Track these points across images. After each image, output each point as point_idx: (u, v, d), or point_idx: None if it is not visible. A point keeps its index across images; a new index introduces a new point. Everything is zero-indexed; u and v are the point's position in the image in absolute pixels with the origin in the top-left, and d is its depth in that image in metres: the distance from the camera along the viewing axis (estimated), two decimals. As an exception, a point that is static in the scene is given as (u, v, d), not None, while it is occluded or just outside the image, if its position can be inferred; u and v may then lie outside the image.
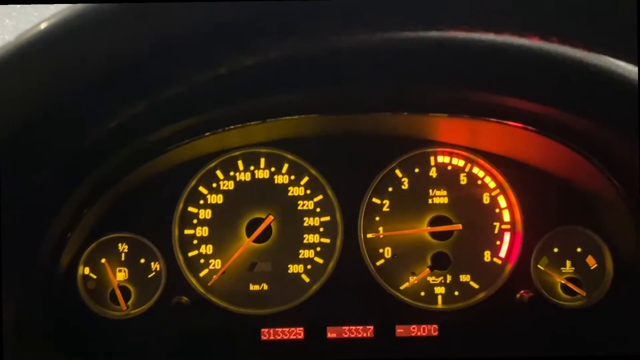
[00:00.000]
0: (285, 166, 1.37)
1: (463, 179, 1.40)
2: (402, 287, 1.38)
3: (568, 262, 1.38)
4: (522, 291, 1.35)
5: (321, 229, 1.37)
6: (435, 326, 1.36)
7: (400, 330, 1.35)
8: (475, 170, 1.40)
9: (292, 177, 1.38)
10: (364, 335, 1.35)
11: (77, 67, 0.76)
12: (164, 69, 0.82)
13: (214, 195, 1.36)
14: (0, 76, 0.73)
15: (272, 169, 1.37)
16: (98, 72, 0.77)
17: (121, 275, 1.33)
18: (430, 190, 1.39)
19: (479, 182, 1.40)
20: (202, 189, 1.36)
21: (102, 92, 0.81)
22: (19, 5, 1.49)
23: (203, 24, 0.77)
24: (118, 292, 1.31)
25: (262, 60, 0.85)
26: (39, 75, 0.75)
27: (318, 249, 1.37)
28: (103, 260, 1.33)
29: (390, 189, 1.39)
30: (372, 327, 1.35)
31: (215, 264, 1.35)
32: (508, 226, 1.39)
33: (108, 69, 0.78)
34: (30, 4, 1.38)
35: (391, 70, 0.98)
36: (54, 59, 0.75)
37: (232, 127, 1.25)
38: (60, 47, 0.75)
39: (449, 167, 1.40)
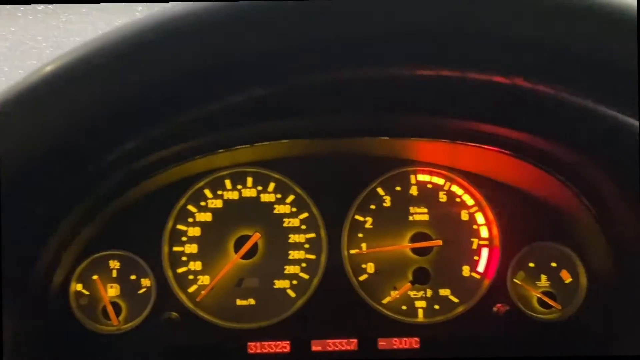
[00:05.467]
0: (272, 185, 1.42)
1: (443, 197, 1.45)
2: (384, 302, 1.42)
3: (543, 277, 1.43)
4: (498, 305, 1.41)
5: (306, 246, 1.42)
6: (417, 339, 1.40)
7: (382, 343, 1.40)
8: (454, 188, 1.45)
9: (279, 196, 1.42)
10: (348, 348, 1.39)
11: (81, 106, 0.80)
12: (169, 102, 0.86)
13: (202, 214, 1.41)
14: (7, 114, 0.77)
15: (259, 188, 1.42)
16: (99, 109, 0.81)
17: (112, 291, 1.37)
18: (411, 208, 1.44)
19: (458, 199, 1.45)
20: (191, 208, 1.41)
21: (103, 128, 0.85)
22: (12, 28, 1.53)
23: (199, 60, 0.81)
24: (109, 308, 1.35)
25: (254, 92, 0.89)
26: (44, 115, 0.79)
27: (303, 264, 1.42)
28: (95, 277, 1.36)
29: (372, 207, 1.44)
30: (355, 340, 1.39)
31: (204, 280, 1.39)
32: (486, 242, 1.44)
33: (110, 106, 0.82)
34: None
35: (374, 100, 1.03)
36: (56, 100, 0.79)
37: (221, 150, 1.30)
38: (62, 88, 0.79)
39: (429, 186, 1.45)
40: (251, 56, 0.80)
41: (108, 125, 0.81)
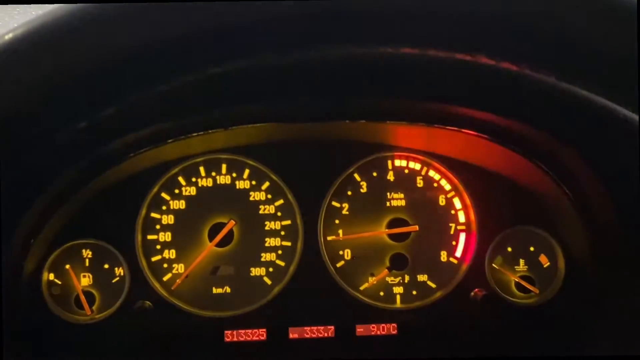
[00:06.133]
0: (247, 172, 1.41)
1: (420, 182, 1.44)
2: (361, 288, 1.41)
3: (522, 261, 1.43)
4: (476, 289, 1.40)
5: (282, 233, 1.41)
6: (394, 325, 1.40)
7: (360, 330, 1.39)
8: (432, 173, 1.44)
9: (253, 183, 1.41)
10: (325, 335, 1.38)
11: (45, 75, 0.78)
12: (129, 78, 0.85)
13: (176, 201, 1.39)
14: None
15: (234, 175, 1.40)
16: (65, 80, 0.79)
17: (85, 280, 1.36)
18: (388, 193, 1.43)
19: (435, 184, 1.44)
20: (164, 195, 1.39)
21: (69, 99, 0.83)
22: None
23: (169, 34, 0.79)
24: (82, 297, 1.33)
25: (225, 71, 0.87)
26: (7, 82, 0.77)
27: (279, 252, 1.40)
28: (67, 266, 1.35)
29: (349, 193, 1.42)
30: (333, 327, 1.38)
31: (179, 268, 1.38)
32: (463, 227, 1.43)
33: (74, 76, 0.80)
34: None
35: (350, 82, 1.02)
36: (19, 68, 0.77)
37: (194, 134, 1.28)
38: (27, 54, 0.77)
39: (406, 171, 1.44)
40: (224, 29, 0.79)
41: (75, 93, 0.80)
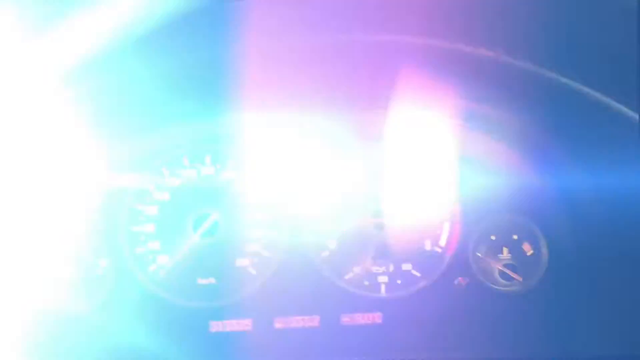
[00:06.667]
0: (230, 162, 1.40)
1: (405, 171, 1.44)
2: (346, 277, 1.42)
3: (505, 249, 1.44)
4: (460, 278, 1.41)
5: (267, 223, 1.41)
6: (379, 314, 1.40)
7: (345, 319, 1.40)
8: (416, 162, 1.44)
9: (238, 173, 1.41)
10: (311, 324, 1.39)
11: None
12: (113, 64, 0.84)
13: (160, 193, 1.38)
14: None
15: (218, 166, 1.40)
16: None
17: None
18: (374, 183, 1.43)
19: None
20: (148, 186, 1.38)
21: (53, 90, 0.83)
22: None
23: (147, 22, 0.79)
24: (67, 290, 1.34)
25: (210, 59, 0.87)
26: None
27: (264, 242, 1.41)
28: (52, 259, 1.35)
29: (334, 183, 1.42)
30: (318, 317, 1.39)
31: (163, 259, 1.38)
32: (447, 216, 1.44)
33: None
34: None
35: (331, 70, 1.02)
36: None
37: (177, 124, 1.28)
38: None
39: (391, 160, 1.44)
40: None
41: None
